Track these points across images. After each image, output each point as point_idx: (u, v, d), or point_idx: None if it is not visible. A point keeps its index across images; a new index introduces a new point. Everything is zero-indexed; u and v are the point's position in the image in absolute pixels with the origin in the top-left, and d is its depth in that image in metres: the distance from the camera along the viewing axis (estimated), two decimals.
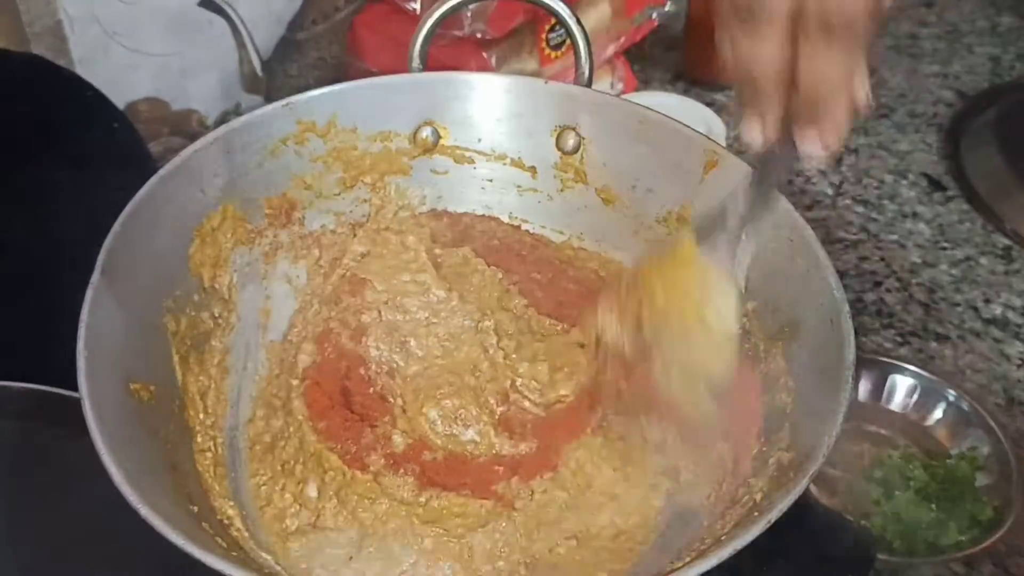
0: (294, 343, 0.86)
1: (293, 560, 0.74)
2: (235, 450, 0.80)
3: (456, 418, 0.81)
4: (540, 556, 0.74)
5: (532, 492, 0.77)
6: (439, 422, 0.81)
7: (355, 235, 0.91)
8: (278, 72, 1.23)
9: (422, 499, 0.76)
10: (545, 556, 0.74)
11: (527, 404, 0.82)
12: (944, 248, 1.22)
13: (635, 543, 0.75)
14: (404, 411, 0.82)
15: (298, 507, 0.76)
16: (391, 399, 0.83)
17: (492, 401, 0.82)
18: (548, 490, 0.77)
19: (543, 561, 0.74)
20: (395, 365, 0.85)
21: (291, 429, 0.80)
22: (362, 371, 0.85)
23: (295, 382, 0.83)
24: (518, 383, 0.83)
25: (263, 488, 0.78)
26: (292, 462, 0.78)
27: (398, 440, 0.79)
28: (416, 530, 0.74)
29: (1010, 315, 1.13)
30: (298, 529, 0.75)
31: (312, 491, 0.76)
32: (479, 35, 1.17)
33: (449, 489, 0.76)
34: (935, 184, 1.31)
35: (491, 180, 0.93)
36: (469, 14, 1.14)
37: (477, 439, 0.80)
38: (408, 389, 0.83)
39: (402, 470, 0.77)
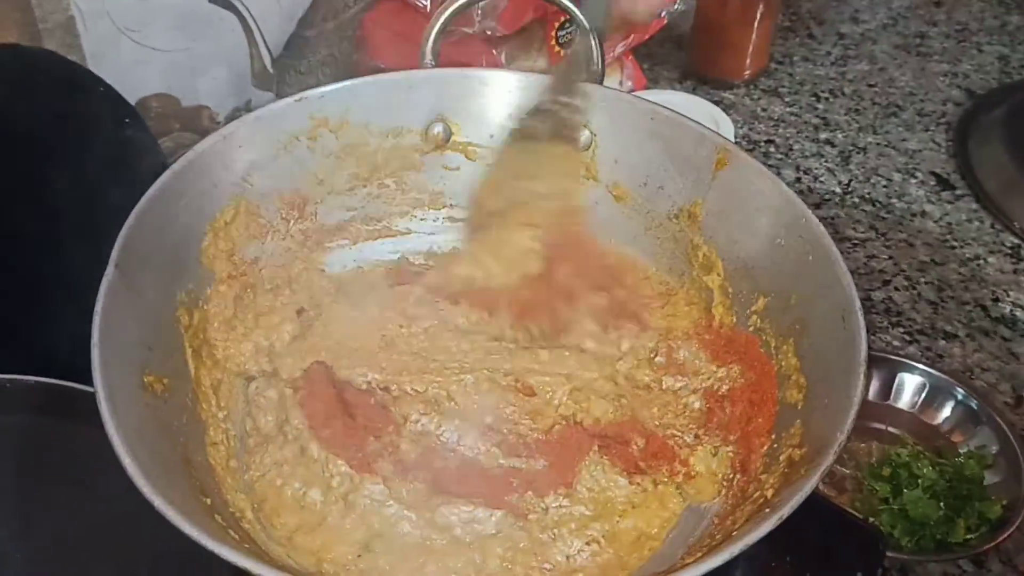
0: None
1: (302, 554, 0.74)
2: (245, 443, 0.81)
3: (459, 440, 0.80)
4: (557, 563, 0.74)
5: (547, 508, 0.76)
6: (445, 436, 0.80)
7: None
8: (288, 69, 1.23)
9: (432, 505, 0.76)
10: (563, 563, 0.74)
11: (522, 429, 0.82)
12: (953, 247, 1.22)
13: (655, 542, 0.75)
14: (407, 422, 0.81)
15: (300, 507, 0.76)
16: (393, 409, 0.82)
17: (490, 426, 0.82)
18: (564, 506, 0.77)
19: (560, 567, 0.74)
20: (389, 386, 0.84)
21: (290, 436, 0.80)
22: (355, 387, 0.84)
23: (288, 391, 0.82)
24: (507, 412, 0.82)
25: (257, 485, 0.78)
26: (290, 466, 0.78)
27: (407, 448, 0.79)
28: (425, 533, 0.75)
29: (1018, 314, 1.13)
30: (302, 527, 0.75)
31: (316, 495, 0.76)
32: (489, 32, 1.17)
33: (460, 497, 0.76)
34: (944, 183, 1.31)
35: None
36: (479, 11, 1.14)
37: (482, 459, 0.80)
38: (408, 406, 0.82)
39: (411, 476, 0.77)
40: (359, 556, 0.74)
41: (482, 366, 0.84)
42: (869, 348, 0.69)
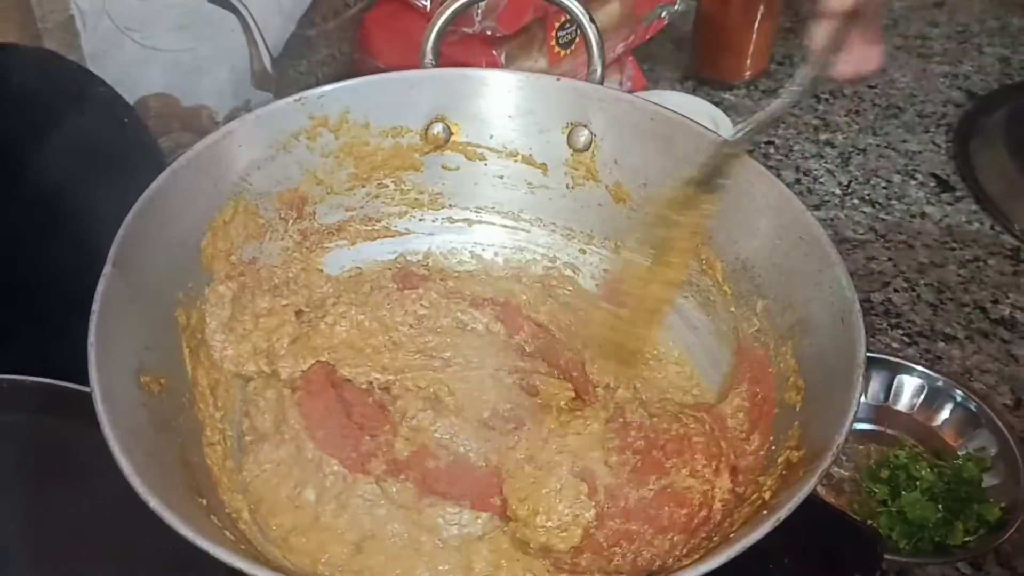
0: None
1: (297, 555, 0.74)
2: (242, 443, 0.81)
3: (452, 437, 0.81)
4: (543, 566, 0.74)
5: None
6: (438, 433, 0.81)
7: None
8: (288, 69, 1.24)
9: (420, 506, 0.76)
10: (544, 571, 0.74)
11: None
12: (952, 248, 1.22)
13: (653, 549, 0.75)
14: (404, 419, 0.81)
15: (295, 507, 0.76)
16: (391, 408, 0.83)
17: (486, 422, 0.82)
18: None
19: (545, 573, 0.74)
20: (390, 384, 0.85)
21: (286, 436, 0.80)
22: (355, 386, 0.84)
23: (287, 391, 0.82)
24: (505, 409, 0.82)
25: (252, 486, 0.78)
26: (286, 466, 0.78)
27: (400, 447, 0.79)
28: (414, 534, 0.75)
29: (1018, 316, 1.13)
30: (297, 527, 0.75)
31: (310, 495, 0.76)
32: (489, 32, 1.17)
33: (448, 498, 0.76)
34: (944, 184, 1.31)
35: (502, 177, 0.93)
36: (479, 11, 1.14)
37: (472, 456, 0.80)
38: (406, 403, 0.83)
39: (403, 475, 0.77)
40: (352, 557, 0.74)
41: (489, 363, 0.84)
42: (868, 350, 0.69)
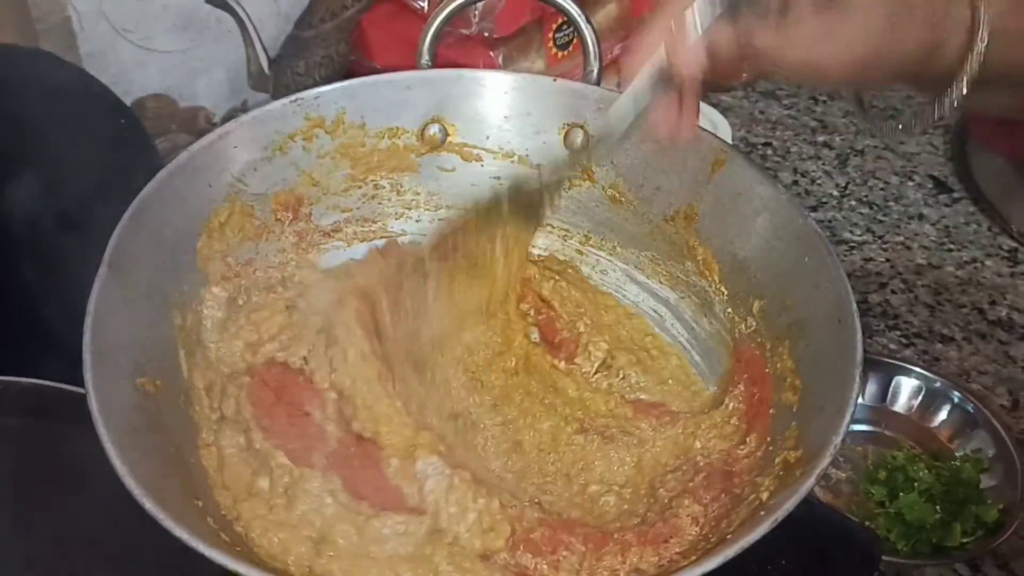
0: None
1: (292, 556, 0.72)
2: None
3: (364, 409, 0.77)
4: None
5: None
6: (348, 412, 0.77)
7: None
8: (285, 70, 1.23)
9: (360, 508, 0.72)
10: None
11: None
12: (950, 250, 1.22)
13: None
14: (324, 393, 0.78)
15: (254, 499, 0.73)
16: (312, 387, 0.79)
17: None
18: None
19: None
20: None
21: (240, 427, 0.77)
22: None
23: (246, 379, 0.80)
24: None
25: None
26: (244, 454, 0.76)
27: (332, 430, 0.76)
28: (361, 538, 0.71)
29: (1015, 317, 1.13)
30: (267, 527, 0.72)
31: (264, 483, 0.73)
32: (486, 34, 1.17)
33: (362, 498, 0.73)
34: (941, 186, 1.31)
35: (498, 178, 0.93)
36: (477, 12, 1.14)
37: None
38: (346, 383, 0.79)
39: (334, 472, 0.74)
40: (316, 556, 0.69)
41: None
42: (865, 351, 0.69)
